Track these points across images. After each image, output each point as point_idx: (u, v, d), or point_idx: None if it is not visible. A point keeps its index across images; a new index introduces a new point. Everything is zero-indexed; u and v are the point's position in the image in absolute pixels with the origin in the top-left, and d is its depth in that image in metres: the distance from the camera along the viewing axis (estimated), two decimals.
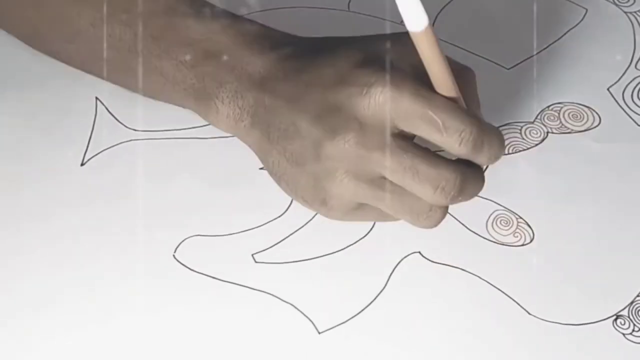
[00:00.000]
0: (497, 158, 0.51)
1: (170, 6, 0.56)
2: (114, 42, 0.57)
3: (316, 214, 0.56)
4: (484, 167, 0.53)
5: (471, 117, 0.49)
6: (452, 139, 0.49)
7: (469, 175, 0.50)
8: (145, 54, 0.56)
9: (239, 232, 0.56)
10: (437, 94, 0.49)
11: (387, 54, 0.51)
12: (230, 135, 0.57)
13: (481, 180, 0.52)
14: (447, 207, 0.52)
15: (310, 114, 0.51)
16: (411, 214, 0.51)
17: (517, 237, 0.56)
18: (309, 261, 0.55)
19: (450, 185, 0.49)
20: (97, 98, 0.62)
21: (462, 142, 0.49)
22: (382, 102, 0.48)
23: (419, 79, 0.49)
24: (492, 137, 0.50)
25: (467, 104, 0.51)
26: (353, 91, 0.49)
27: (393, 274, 0.54)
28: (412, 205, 0.51)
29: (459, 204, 0.52)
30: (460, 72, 0.51)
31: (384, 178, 0.50)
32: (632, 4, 0.71)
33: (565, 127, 0.62)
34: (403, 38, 0.49)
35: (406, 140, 0.50)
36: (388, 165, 0.49)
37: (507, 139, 0.61)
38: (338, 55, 0.52)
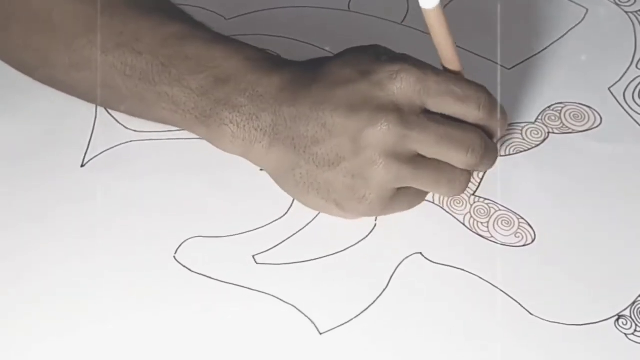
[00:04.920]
0: (506, 124, 0.58)
1: (180, 34, 0.57)
2: (126, 69, 0.57)
3: (317, 215, 0.56)
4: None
5: (481, 86, 0.55)
6: (472, 106, 0.54)
7: (487, 139, 0.56)
8: (157, 82, 0.56)
9: (240, 234, 0.56)
10: (450, 72, 0.55)
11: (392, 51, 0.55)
12: None
13: (495, 148, 0.57)
14: (471, 173, 0.57)
15: (342, 110, 0.53)
16: (448, 183, 0.55)
17: (518, 237, 0.56)
18: (310, 262, 0.55)
19: (478, 145, 0.54)
20: None
21: (481, 107, 0.54)
22: (413, 82, 0.53)
23: None
24: (498, 105, 0.56)
25: None
26: (382, 78, 0.53)
27: (394, 274, 0.54)
28: (448, 174, 0.55)
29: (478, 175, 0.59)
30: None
31: (418, 155, 0.54)
32: (633, 3, 0.70)
33: (567, 127, 0.62)
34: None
35: (435, 114, 0.54)
36: (427, 139, 0.53)
37: (508, 139, 0.61)
38: (347, 57, 0.55)
